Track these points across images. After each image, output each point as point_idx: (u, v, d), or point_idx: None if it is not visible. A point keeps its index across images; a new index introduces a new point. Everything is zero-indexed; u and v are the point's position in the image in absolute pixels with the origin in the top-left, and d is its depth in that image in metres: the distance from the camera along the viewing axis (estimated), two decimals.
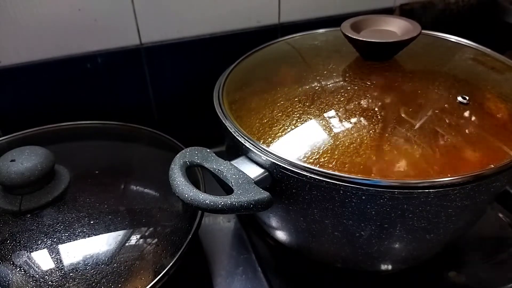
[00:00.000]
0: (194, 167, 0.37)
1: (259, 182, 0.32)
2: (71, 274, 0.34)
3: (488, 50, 0.43)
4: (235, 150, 0.35)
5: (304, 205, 0.33)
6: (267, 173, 0.33)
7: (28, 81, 0.50)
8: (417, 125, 0.33)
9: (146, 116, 0.58)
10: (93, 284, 0.33)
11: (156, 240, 0.37)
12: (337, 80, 0.38)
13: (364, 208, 0.31)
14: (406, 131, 0.32)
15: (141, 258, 0.35)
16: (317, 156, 0.31)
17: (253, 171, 0.33)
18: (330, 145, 0.32)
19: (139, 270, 0.35)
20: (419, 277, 0.42)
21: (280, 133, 0.34)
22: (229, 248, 0.46)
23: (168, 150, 0.47)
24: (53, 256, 0.34)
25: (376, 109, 0.34)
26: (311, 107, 0.35)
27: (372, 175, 0.30)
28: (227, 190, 0.33)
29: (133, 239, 0.37)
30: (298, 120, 0.34)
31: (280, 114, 0.35)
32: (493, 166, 0.30)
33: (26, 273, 0.33)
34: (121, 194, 0.41)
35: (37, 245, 0.35)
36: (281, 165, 0.31)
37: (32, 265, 0.34)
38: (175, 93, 0.58)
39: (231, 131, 0.35)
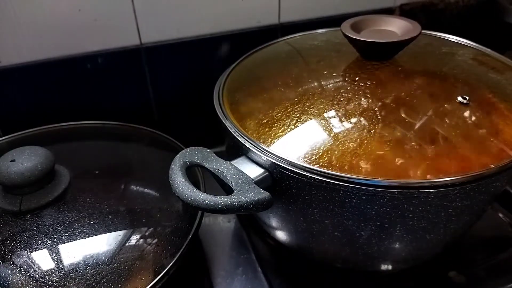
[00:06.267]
0: (194, 167, 0.37)
1: (259, 182, 0.32)
2: (71, 274, 0.34)
3: (488, 50, 0.43)
4: (235, 150, 0.35)
5: (304, 205, 0.33)
6: (267, 173, 0.33)
7: (28, 81, 0.50)
8: (417, 125, 0.33)
9: (146, 116, 0.58)
10: (93, 284, 0.33)
11: (156, 240, 0.37)
12: (337, 80, 0.38)
13: (364, 208, 0.31)
14: (406, 131, 0.32)
15: (141, 258, 0.35)
16: (317, 156, 0.31)
17: (253, 171, 0.33)
18: (330, 145, 0.32)
19: (139, 270, 0.35)
20: (419, 277, 0.42)
21: (280, 133, 0.34)
22: (229, 248, 0.46)
23: (168, 150, 0.47)
24: (53, 256, 0.34)
25: (376, 109, 0.34)
26: (311, 107, 0.35)
27: (372, 175, 0.30)
28: (227, 190, 0.33)
29: (133, 239, 0.37)
30: (298, 120, 0.34)
31: (280, 114, 0.35)
32: (493, 166, 0.30)
33: (26, 273, 0.33)
34: (121, 194, 0.41)
35: (37, 245, 0.35)
36: (281, 165, 0.31)
37: (32, 265, 0.34)
38: (175, 93, 0.58)
39: (231, 131, 0.35)
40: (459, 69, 0.40)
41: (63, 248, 0.35)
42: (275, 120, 0.35)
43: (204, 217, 0.40)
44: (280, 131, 0.34)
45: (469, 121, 0.33)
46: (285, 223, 0.38)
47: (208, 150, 0.35)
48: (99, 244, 0.36)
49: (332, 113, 0.34)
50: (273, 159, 0.32)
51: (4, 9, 0.45)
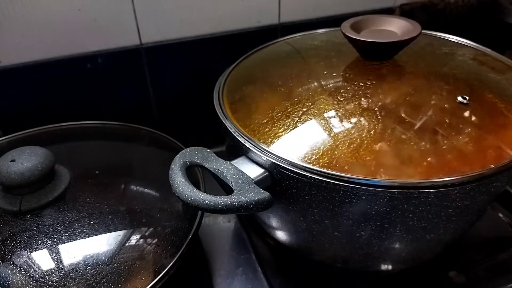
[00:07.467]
0: (194, 167, 0.37)
1: (259, 182, 0.32)
2: (71, 274, 0.34)
3: (488, 50, 0.43)
4: (235, 150, 0.35)
5: (304, 205, 0.33)
6: (267, 173, 0.33)
7: (28, 81, 0.50)
8: (417, 125, 0.33)
9: (146, 116, 0.58)
10: (93, 284, 0.33)
11: (156, 240, 0.37)
12: (337, 80, 0.38)
13: (364, 208, 0.31)
14: (406, 131, 0.32)
15: (141, 258, 0.35)
16: (317, 156, 0.31)
17: (253, 171, 0.33)
18: (330, 145, 0.32)
19: (139, 270, 0.35)
20: (419, 277, 0.42)
21: (280, 133, 0.34)
22: (229, 248, 0.46)
23: (168, 150, 0.47)
24: (53, 256, 0.34)
25: (376, 109, 0.34)
26: (311, 107, 0.35)
27: (372, 175, 0.30)
28: (227, 190, 0.33)
29: (133, 239, 0.37)
30: (298, 120, 0.34)
31: (280, 114, 0.35)
32: (493, 166, 0.30)
33: (26, 273, 0.33)
34: (121, 194, 0.41)
35: (37, 245, 0.35)
36: (281, 165, 0.31)
37: (32, 265, 0.34)
38: (175, 93, 0.58)
39: (231, 131, 0.35)
40: (459, 69, 0.40)
41: (63, 248, 0.35)
42: (275, 120, 0.35)
43: (204, 217, 0.40)
44: (280, 131, 0.34)
45: (469, 121, 0.33)
46: (285, 223, 0.38)
47: (208, 150, 0.35)
48: (99, 244, 0.36)
49: (332, 113, 0.34)
50: (273, 159, 0.32)
51: (4, 9, 0.45)
